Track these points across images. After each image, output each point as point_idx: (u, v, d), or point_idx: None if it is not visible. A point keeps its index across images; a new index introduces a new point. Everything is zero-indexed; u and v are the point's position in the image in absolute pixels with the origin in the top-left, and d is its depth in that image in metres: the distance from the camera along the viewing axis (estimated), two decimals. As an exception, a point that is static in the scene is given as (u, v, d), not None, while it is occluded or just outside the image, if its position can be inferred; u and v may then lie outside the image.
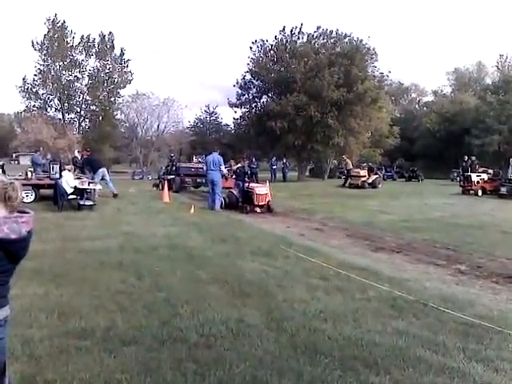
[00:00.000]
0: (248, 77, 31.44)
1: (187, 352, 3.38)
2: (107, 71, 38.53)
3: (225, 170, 13.55)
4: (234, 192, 13.38)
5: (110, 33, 38.83)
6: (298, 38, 30.59)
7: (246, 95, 31.94)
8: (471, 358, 3.38)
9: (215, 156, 13.21)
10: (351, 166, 25.87)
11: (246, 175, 13.52)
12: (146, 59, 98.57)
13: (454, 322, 4.13)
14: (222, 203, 13.04)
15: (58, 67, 37.00)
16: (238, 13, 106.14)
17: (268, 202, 12.92)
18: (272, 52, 30.71)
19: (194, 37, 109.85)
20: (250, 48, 31.07)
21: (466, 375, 3.11)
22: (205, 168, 13.23)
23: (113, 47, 38.83)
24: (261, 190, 12.93)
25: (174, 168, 20.30)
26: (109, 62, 38.60)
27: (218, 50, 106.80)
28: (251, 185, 13.31)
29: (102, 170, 15.46)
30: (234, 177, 14.20)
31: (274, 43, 30.62)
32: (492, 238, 8.83)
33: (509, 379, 3.10)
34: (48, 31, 36.42)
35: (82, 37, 37.89)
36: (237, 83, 31.67)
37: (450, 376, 3.10)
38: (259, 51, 31.02)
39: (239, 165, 14.31)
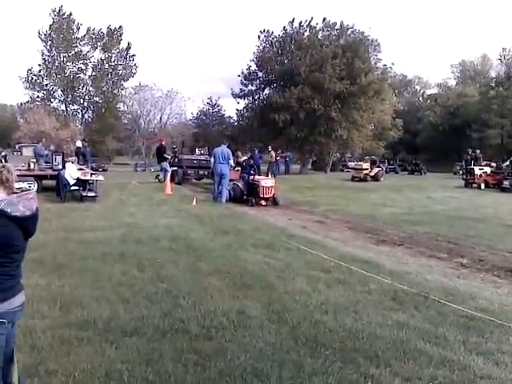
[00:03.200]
0: (253, 67, 31.38)
1: (188, 343, 3.39)
2: (112, 63, 38.42)
3: (233, 164, 13.46)
4: (239, 184, 13.30)
5: (120, 27, 38.65)
6: (306, 30, 30.43)
7: (250, 86, 31.88)
8: (472, 351, 3.39)
9: (224, 149, 13.06)
10: (274, 159, 26.02)
11: (251, 168, 13.45)
12: (149, 50, 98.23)
13: (454, 314, 4.13)
14: (228, 196, 13.01)
15: (62, 58, 36.95)
16: (242, 5, 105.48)
17: (273, 194, 12.89)
18: (278, 43, 30.58)
19: (197, 28, 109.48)
20: (258, 37, 31.06)
21: (467, 368, 3.12)
22: (212, 160, 13.08)
23: (120, 41, 38.67)
24: (266, 182, 12.87)
25: (176, 160, 20.26)
26: (114, 55, 38.48)
27: (221, 42, 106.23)
28: (256, 177, 13.24)
29: (166, 163, 17.89)
30: (236, 169, 14.12)
31: (280, 34, 30.54)
32: (494, 232, 8.81)
33: (509, 372, 3.10)
34: (53, 22, 36.30)
35: (89, 28, 37.75)
36: (241, 73, 31.62)
37: (451, 369, 3.11)
38: (265, 41, 30.92)
39: (245, 157, 14.21)
